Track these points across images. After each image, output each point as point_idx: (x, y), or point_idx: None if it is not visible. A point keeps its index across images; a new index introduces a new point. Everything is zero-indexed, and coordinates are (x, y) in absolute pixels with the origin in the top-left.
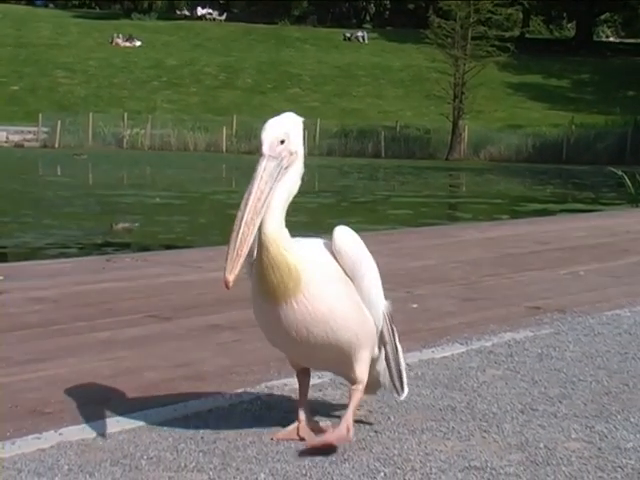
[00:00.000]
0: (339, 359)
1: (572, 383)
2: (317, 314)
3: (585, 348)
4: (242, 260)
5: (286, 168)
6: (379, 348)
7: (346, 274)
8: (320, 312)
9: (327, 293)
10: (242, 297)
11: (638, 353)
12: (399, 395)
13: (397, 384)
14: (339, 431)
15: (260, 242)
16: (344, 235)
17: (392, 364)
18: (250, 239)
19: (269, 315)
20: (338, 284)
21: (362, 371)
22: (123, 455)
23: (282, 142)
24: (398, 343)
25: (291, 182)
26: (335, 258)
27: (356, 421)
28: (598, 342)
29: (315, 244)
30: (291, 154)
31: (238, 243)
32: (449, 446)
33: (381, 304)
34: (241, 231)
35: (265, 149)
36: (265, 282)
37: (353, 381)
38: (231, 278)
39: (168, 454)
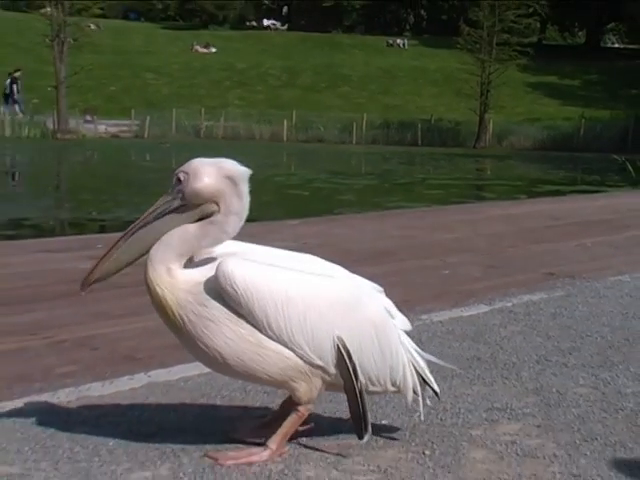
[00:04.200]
0: (268, 387)
1: (581, 338)
2: (204, 355)
3: (592, 308)
4: (98, 272)
5: (197, 215)
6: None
7: (240, 314)
8: (204, 353)
9: (206, 335)
10: None
11: (637, 313)
12: (359, 438)
13: (358, 424)
14: (259, 455)
15: (145, 279)
16: (227, 276)
17: (352, 402)
18: (107, 258)
19: None
20: (225, 327)
21: (300, 397)
22: (201, 394)
23: (179, 180)
24: (359, 382)
25: (186, 234)
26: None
27: None
28: (603, 303)
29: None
30: (194, 201)
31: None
32: (475, 390)
33: (306, 341)
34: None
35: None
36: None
37: (295, 400)
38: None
39: (238, 394)
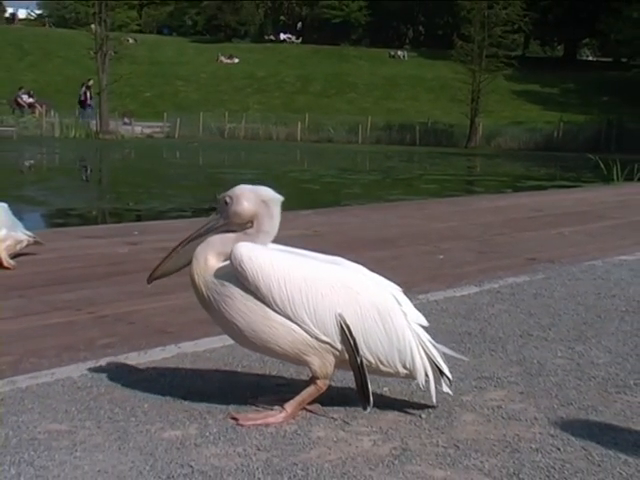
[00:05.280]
0: (285, 361)
1: (559, 315)
2: (227, 327)
3: (569, 289)
4: (160, 271)
5: (235, 229)
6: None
7: (251, 291)
8: (226, 326)
9: (226, 310)
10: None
11: (608, 293)
12: (363, 409)
13: (362, 396)
14: (275, 417)
15: (189, 269)
16: (236, 257)
17: (356, 374)
18: (167, 260)
19: None
20: (239, 302)
21: (315, 371)
22: (224, 364)
23: (225, 203)
24: (359, 357)
25: (226, 239)
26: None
27: None
28: (578, 285)
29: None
30: (236, 220)
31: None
32: (466, 361)
33: (309, 317)
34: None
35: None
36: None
37: (312, 375)
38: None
39: (257, 364)
